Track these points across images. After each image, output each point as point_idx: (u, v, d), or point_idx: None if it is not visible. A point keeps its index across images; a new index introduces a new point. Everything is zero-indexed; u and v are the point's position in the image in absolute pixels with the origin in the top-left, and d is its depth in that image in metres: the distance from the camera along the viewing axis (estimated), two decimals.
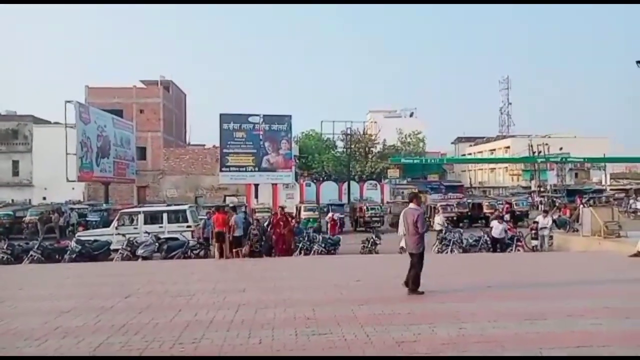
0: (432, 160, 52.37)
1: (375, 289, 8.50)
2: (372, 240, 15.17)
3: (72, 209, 27.15)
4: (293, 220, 16.15)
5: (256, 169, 35.23)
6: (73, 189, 37.53)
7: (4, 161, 43.44)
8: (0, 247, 13.88)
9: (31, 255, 13.28)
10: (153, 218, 17.03)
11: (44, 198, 38.29)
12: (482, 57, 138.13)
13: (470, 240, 14.33)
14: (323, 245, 14.43)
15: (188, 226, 16.49)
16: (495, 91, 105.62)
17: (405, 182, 47.75)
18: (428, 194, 42.57)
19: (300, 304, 7.03)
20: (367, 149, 53.51)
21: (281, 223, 13.86)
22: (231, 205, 19.13)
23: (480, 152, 67.91)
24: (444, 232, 15.44)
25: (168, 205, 22.26)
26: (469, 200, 30.76)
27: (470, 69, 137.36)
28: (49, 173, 37.81)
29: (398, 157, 49.37)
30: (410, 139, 57.13)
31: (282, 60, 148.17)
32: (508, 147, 60.69)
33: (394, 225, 28.02)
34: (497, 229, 14.25)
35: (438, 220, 18.17)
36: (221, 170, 35.56)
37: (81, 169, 30.69)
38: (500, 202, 29.61)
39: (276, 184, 37.51)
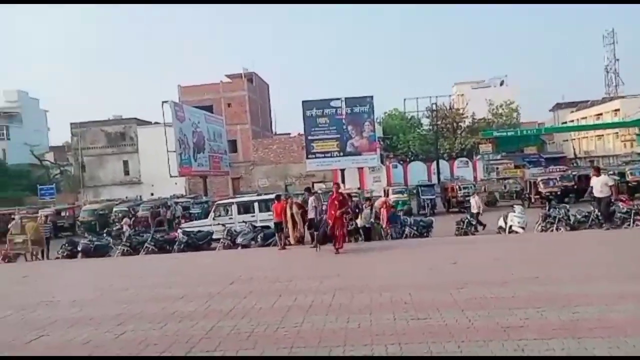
0: (529, 131, 48.58)
1: (474, 272, 8.18)
2: (467, 221, 14.59)
3: (176, 203, 29.47)
4: (352, 201, 14.20)
5: (341, 153, 35.40)
6: (176, 183, 40.70)
7: (116, 162, 48.31)
8: (120, 240, 15.52)
9: (146, 247, 14.70)
10: (245, 208, 18.05)
11: (152, 194, 41.98)
12: (579, 9, 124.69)
13: (579, 217, 13.12)
14: (415, 227, 14.17)
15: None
16: (598, 48, 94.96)
17: (499, 157, 44.95)
18: (526, 168, 39.87)
19: (396, 288, 6.98)
20: (455, 124, 51.22)
21: (336, 203, 11.17)
22: (306, 187, 19.25)
23: (584, 117, 61.58)
24: (547, 208, 14.21)
25: (259, 194, 23.27)
26: (573, 173, 28.26)
27: (565, 24, 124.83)
28: (154, 170, 41.33)
29: (490, 130, 46.58)
30: (503, 109, 53.60)
31: (359, 41, 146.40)
32: (617, 110, 54.47)
33: (490, 204, 26.79)
34: (596, 185, 11.78)
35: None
36: (307, 158, 36.26)
37: (181, 165, 33.11)
38: (612, 172, 26.84)
39: (362, 168, 37.44)
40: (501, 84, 66.48)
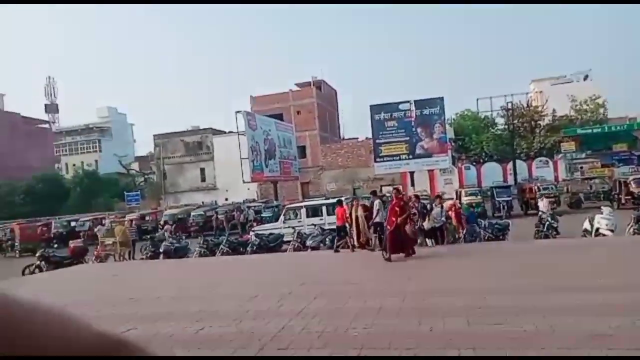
0: (619, 127, 44.56)
1: (557, 277, 7.66)
2: (547, 223, 13.68)
3: (249, 207, 30.54)
4: (415, 206, 13.02)
5: (410, 156, 34.70)
6: (248, 189, 42.23)
7: (193, 169, 51.09)
8: (197, 243, 16.39)
9: (221, 249, 15.38)
10: (314, 211, 18.34)
11: (226, 199, 43.88)
12: None
13: None
14: (490, 230, 13.55)
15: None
16: None
17: (584, 155, 41.66)
18: (615, 167, 36.66)
19: (470, 292, 6.73)
20: (533, 122, 48.32)
21: (397, 209, 10.52)
22: (371, 190, 18.77)
23: None
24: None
25: (327, 198, 23.48)
26: None
27: None
28: (228, 176, 43.20)
29: (573, 127, 43.42)
30: (587, 105, 49.73)
31: (428, 43, 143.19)
32: None
33: (573, 205, 24.93)
34: None
35: (542, 206, 15.27)
36: (376, 161, 35.96)
37: (253, 171, 34.31)
38: None
39: (433, 170, 36.49)
40: (585, 78, 61.67)
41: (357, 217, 12.53)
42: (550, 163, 40.05)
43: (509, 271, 8.41)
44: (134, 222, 20.59)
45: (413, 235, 11.07)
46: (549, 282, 7.13)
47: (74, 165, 64.18)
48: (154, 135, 53.20)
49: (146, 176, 58.99)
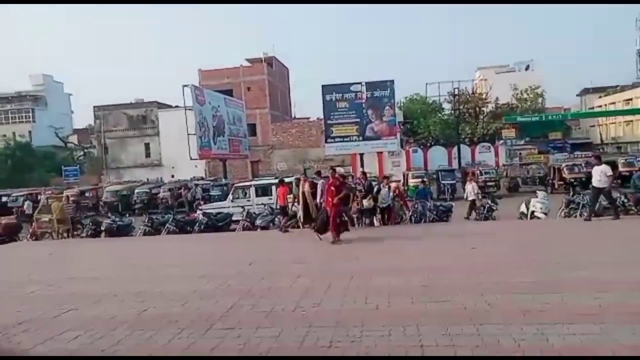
0: (554, 117, 47.26)
1: (495, 256, 8.10)
2: (487, 205, 14.38)
3: (196, 185, 29.84)
4: (362, 182, 13.39)
5: (360, 138, 35.12)
6: (196, 166, 41.18)
7: (137, 145, 49.04)
8: (142, 221, 15.83)
9: (167, 228, 14.96)
10: (263, 190, 18.20)
11: (172, 176, 42.59)
12: None
13: (604, 203, 12.79)
14: (435, 212, 14.05)
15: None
16: (629, 31, 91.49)
17: (522, 142, 43.98)
18: (550, 154, 39.01)
19: (414, 272, 6.97)
20: (477, 109, 50.24)
21: (332, 189, 10.27)
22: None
23: (613, 103, 59.55)
24: (571, 194, 13.89)
25: (277, 178, 23.34)
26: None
27: (595, 8, 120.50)
28: (174, 153, 41.87)
29: (513, 115, 45.56)
30: (527, 94, 52.26)
31: (380, 25, 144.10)
32: None
33: (512, 189, 26.35)
34: (595, 174, 11.29)
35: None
36: (326, 142, 36.10)
37: (201, 148, 33.39)
38: (624, 160, 26.04)
39: (382, 152, 37.18)
40: (526, 68, 64.70)
41: (304, 194, 12.44)
42: (492, 148, 41.94)
43: (452, 251, 8.78)
44: (72, 198, 19.50)
45: (353, 215, 11.09)
46: (488, 261, 7.53)
47: (4, 135, 59.52)
48: (94, 107, 50.36)
49: (86, 150, 56.04)
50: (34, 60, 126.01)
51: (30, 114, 64.05)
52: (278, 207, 13.90)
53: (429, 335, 4.39)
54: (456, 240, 10.19)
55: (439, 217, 13.92)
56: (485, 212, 14.21)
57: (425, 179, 19.81)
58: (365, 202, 12.82)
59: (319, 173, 14.73)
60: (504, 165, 36.69)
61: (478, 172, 25.78)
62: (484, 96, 52.13)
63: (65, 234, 15.90)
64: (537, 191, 15.60)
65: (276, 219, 14.42)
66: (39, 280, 8.00)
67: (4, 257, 11.95)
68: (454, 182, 26.03)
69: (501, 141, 43.09)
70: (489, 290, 5.71)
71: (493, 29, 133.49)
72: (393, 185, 14.14)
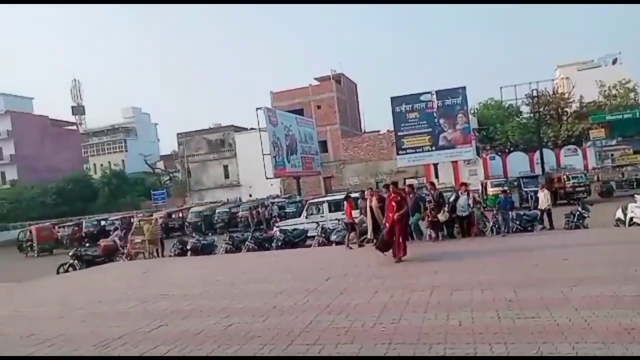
0: None
1: (589, 268, 7.47)
2: (577, 213, 13.32)
3: (272, 203, 30.77)
4: (432, 194, 12.73)
5: (433, 148, 34.30)
6: (271, 185, 42.50)
7: (217, 167, 51.73)
8: (223, 239, 16.58)
9: (247, 245, 15.55)
10: (336, 205, 18.24)
11: (250, 195, 44.29)
12: None
13: None
14: (518, 222, 13.28)
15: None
16: None
17: (614, 142, 40.33)
18: None
19: (499, 285, 6.62)
20: (559, 110, 47.04)
21: (393, 204, 9.71)
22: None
23: None
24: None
25: (349, 192, 23.37)
26: None
27: None
28: (251, 173, 43.60)
29: (602, 114, 42.07)
30: (616, 90, 48.08)
31: (448, 31, 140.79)
32: None
33: (605, 194, 24.22)
34: None
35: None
36: (398, 154, 35.69)
37: (276, 167, 34.49)
38: None
39: (456, 161, 35.98)
40: (614, 62, 59.58)
41: (371, 208, 12.15)
42: (579, 151, 38.97)
43: (539, 263, 8.23)
44: (160, 220, 20.97)
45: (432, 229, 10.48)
46: (581, 273, 6.96)
47: (101, 165, 65.82)
48: (178, 134, 54.07)
49: (171, 174, 60.04)
50: (123, 93, 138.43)
51: (123, 144, 70.29)
52: (344, 223, 13.73)
53: (519, 354, 4.13)
54: (544, 251, 9.55)
55: (523, 227, 13.16)
56: (575, 219, 13.17)
57: (506, 188, 18.65)
58: (441, 216, 12.39)
59: (387, 187, 14.07)
60: (594, 168, 33.96)
61: (565, 177, 24.07)
62: (566, 96, 48.77)
63: (155, 254, 17.07)
64: (636, 195, 14.20)
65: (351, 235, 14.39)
66: (134, 298, 8.64)
67: (105, 277, 13.07)
68: (537, 189, 24.44)
69: (589, 143, 39.89)
70: (585, 305, 5.27)
71: (570, 23, 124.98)
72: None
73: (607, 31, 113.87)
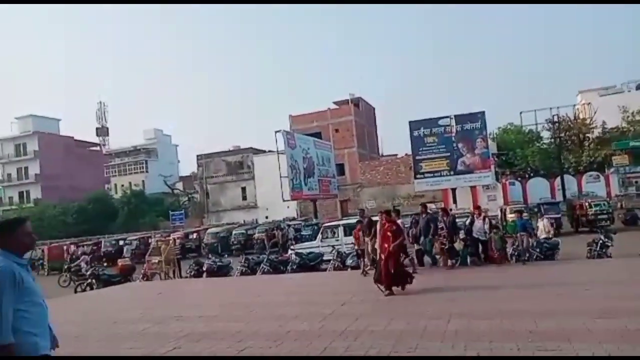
0: None
1: (612, 299, 7.22)
2: (600, 242, 12.96)
3: (289, 225, 30.77)
4: (444, 220, 12.28)
5: (451, 172, 34.00)
6: (288, 207, 42.59)
7: (235, 189, 52.17)
8: (239, 261, 16.60)
9: (262, 268, 15.51)
10: (351, 229, 18.03)
11: (267, 217, 44.39)
12: None
13: None
14: (538, 249, 12.98)
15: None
16: None
17: (639, 169, 39.46)
18: None
19: (518, 315, 6.45)
20: (581, 135, 46.36)
21: (389, 234, 9.23)
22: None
23: None
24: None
25: (364, 217, 23.18)
26: None
27: None
28: (269, 195, 43.78)
29: (625, 140, 41.32)
30: None
31: (467, 56, 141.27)
32: None
33: (629, 222, 23.53)
34: None
35: (541, 228, 13.78)
36: (416, 178, 35.50)
37: (293, 190, 34.58)
38: None
39: (475, 187, 35.58)
40: (637, 88, 58.87)
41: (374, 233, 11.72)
42: (602, 178, 38.18)
43: (560, 293, 8.00)
44: (178, 240, 21.14)
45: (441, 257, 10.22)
46: (604, 304, 6.73)
47: (122, 185, 66.93)
48: (197, 156, 54.86)
49: (190, 195, 60.70)
50: (147, 115, 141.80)
51: (144, 165, 71.54)
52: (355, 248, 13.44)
53: None
54: (565, 279, 9.29)
55: (544, 255, 12.84)
56: (598, 248, 12.81)
57: (521, 208, 18.23)
58: (457, 245, 12.24)
59: (397, 212, 12.64)
60: (617, 195, 33.15)
61: (587, 204, 23.54)
62: (588, 121, 48.15)
63: (172, 274, 17.15)
64: None
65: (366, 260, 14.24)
66: (149, 319, 8.66)
67: (121, 297, 13.16)
68: (558, 215, 23.95)
69: (612, 169, 39.10)
70: (608, 339, 5.08)
71: (593, 46, 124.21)
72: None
73: (631, 56, 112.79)
